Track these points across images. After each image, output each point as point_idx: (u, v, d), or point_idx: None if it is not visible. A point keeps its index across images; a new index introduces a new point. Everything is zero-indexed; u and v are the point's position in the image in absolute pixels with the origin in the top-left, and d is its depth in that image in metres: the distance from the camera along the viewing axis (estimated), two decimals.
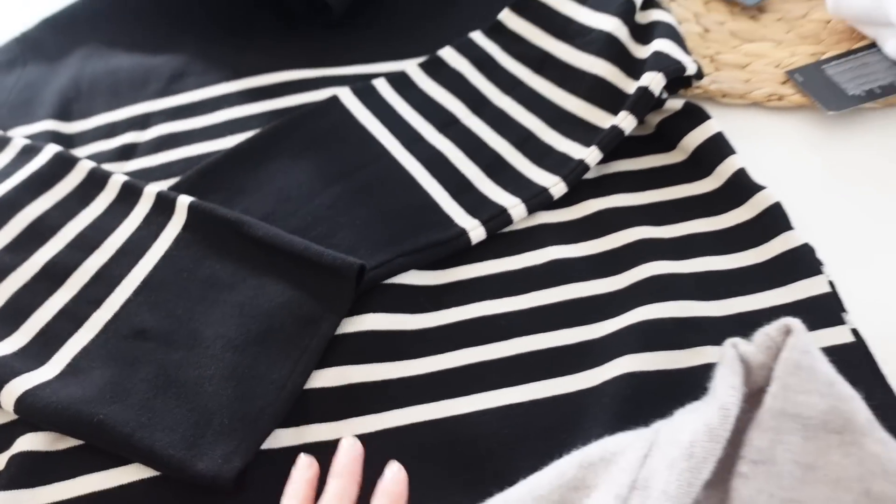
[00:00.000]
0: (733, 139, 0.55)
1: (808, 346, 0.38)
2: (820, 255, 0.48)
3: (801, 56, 0.58)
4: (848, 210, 0.51)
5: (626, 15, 0.56)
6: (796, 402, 0.37)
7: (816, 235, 0.48)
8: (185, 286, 0.48)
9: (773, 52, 0.59)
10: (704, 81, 0.57)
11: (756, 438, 0.37)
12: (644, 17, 0.57)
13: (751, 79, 0.57)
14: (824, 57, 0.57)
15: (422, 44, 0.64)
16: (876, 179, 0.52)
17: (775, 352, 0.38)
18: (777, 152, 0.55)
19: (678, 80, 0.55)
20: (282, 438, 0.43)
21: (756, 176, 0.52)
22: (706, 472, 0.36)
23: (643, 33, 0.56)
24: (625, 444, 0.39)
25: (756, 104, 0.57)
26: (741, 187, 0.51)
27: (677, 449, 0.37)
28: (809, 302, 0.46)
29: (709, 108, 0.57)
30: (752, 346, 0.38)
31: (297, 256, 0.47)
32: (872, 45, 0.56)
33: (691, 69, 0.53)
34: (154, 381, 0.44)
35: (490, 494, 0.37)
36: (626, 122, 0.52)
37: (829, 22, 0.60)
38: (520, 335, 0.47)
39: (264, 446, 0.43)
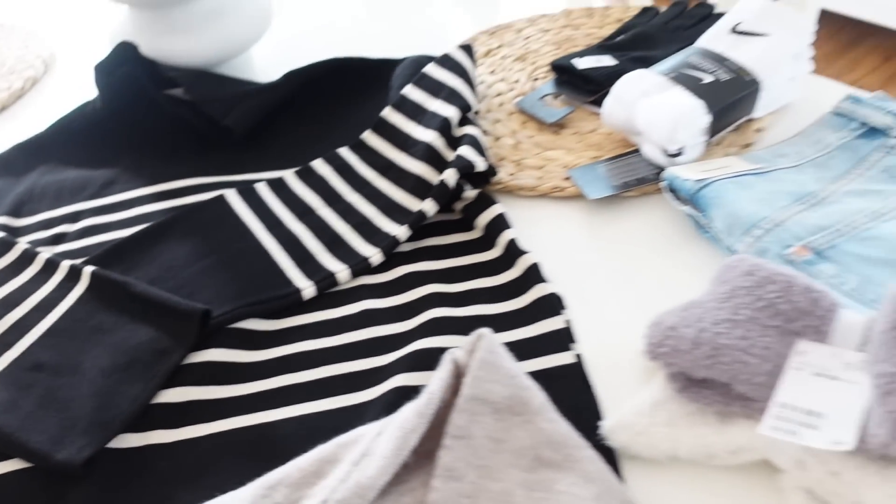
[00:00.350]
0: (526, 222, 0.70)
1: (494, 348, 0.51)
2: (570, 301, 0.62)
3: (584, 159, 0.74)
4: (599, 270, 0.65)
5: (444, 129, 0.73)
6: (484, 390, 0.50)
7: (573, 289, 0.63)
8: (78, 332, 0.63)
9: (564, 156, 0.75)
10: (507, 178, 0.73)
11: (456, 419, 0.50)
12: (459, 131, 0.74)
13: (543, 176, 0.73)
14: (600, 159, 0.73)
15: (301, 158, 0.81)
16: (622, 248, 0.66)
17: (472, 353, 0.51)
18: (557, 229, 0.69)
19: (483, 177, 0.71)
20: (129, 440, 0.56)
21: (539, 248, 0.67)
22: (413, 440, 0.48)
23: (455, 142, 0.72)
24: (370, 428, 0.51)
25: (544, 195, 0.72)
26: (512, 253, 0.65)
27: (394, 425, 0.49)
28: (550, 334, 0.59)
29: (510, 198, 0.73)
30: (460, 351, 0.52)
31: (159, 304, 0.62)
32: (636, 150, 0.72)
33: (481, 167, 0.69)
34: (40, 400, 0.58)
35: None
36: (427, 206, 0.68)
37: (610, 133, 0.76)
38: (327, 364, 0.60)
39: (114, 445, 0.56)
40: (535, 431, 0.49)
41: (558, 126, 0.79)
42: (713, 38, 0.74)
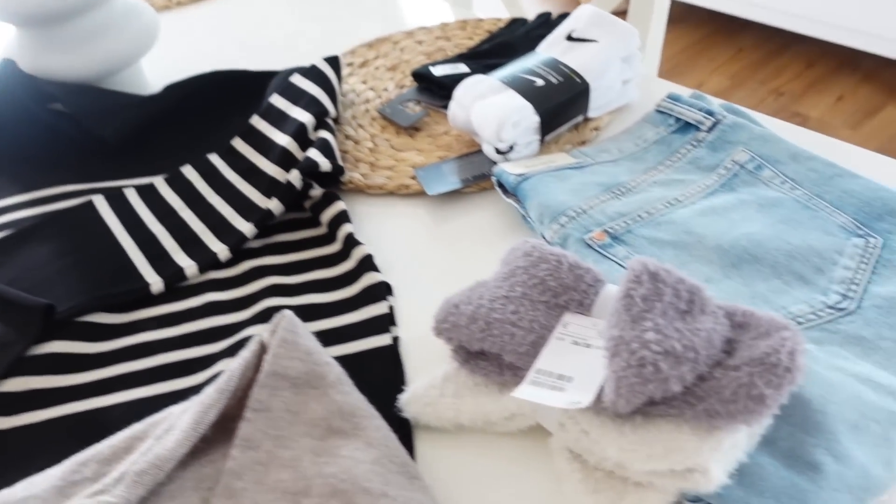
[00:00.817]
0: (374, 218, 0.75)
1: (294, 327, 0.55)
2: (400, 289, 0.66)
3: (433, 158, 0.78)
4: (432, 260, 0.69)
5: (298, 134, 0.77)
6: (283, 366, 0.54)
7: (406, 278, 0.67)
8: None
9: (414, 157, 0.79)
10: (360, 179, 0.77)
11: (257, 393, 0.53)
12: (314, 135, 0.78)
13: (392, 176, 0.77)
14: (446, 159, 0.78)
15: (176, 165, 0.85)
16: (456, 240, 0.71)
17: (274, 333, 0.55)
18: (400, 225, 0.74)
19: (333, 177, 0.75)
20: None
21: (382, 241, 0.71)
22: (212, 415, 0.52)
23: (309, 145, 0.77)
24: (179, 406, 0.55)
25: (392, 193, 0.76)
26: (349, 246, 0.69)
27: (196, 401, 0.53)
28: (372, 319, 0.63)
29: (362, 197, 0.77)
30: (266, 332, 0.55)
31: (5, 301, 0.65)
32: (479, 150, 0.77)
33: (325, 167, 0.73)
34: None
35: None
36: (273, 205, 0.72)
37: (459, 135, 0.81)
38: (165, 352, 0.64)
39: None
40: (328, 403, 0.53)
41: (414, 129, 0.84)
42: (550, 45, 0.79)
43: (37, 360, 0.63)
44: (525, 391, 0.49)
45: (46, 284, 0.70)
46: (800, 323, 0.54)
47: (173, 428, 0.53)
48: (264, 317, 0.64)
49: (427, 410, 0.54)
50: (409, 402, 0.54)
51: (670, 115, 0.73)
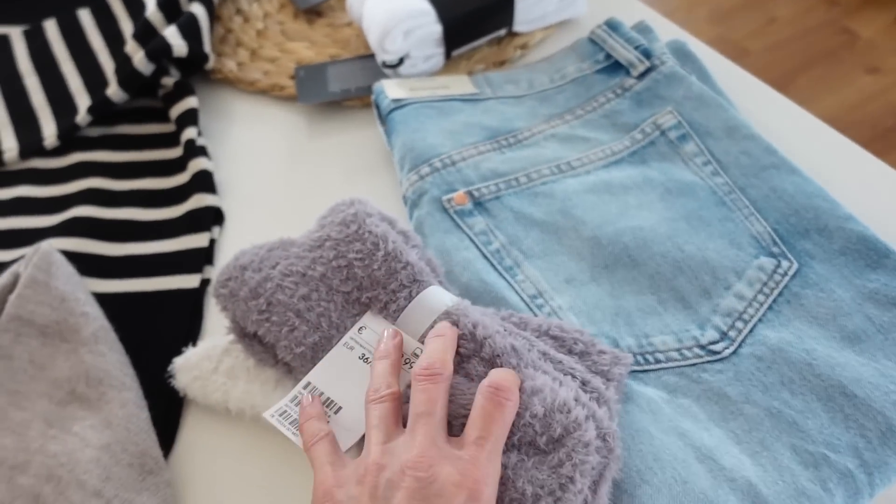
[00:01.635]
0: (237, 120, 0.63)
1: (48, 265, 0.46)
2: (237, 214, 0.56)
3: (323, 56, 0.66)
4: (285, 185, 0.59)
5: (166, 4, 0.64)
6: (29, 311, 0.45)
7: (248, 201, 0.57)
8: None
9: (303, 51, 0.66)
10: (233, 69, 0.65)
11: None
12: (187, 6, 0.65)
13: (270, 71, 0.65)
14: (335, 59, 0.65)
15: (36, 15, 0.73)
16: (317, 164, 0.60)
17: (26, 268, 0.46)
18: (265, 133, 0.63)
19: (196, 64, 0.63)
20: None
21: (237, 151, 0.61)
22: None
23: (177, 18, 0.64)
24: None
25: (264, 92, 0.65)
26: (188, 154, 0.59)
27: None
28: (188, 252, 0.54)
29: (231, 91, 0.66)
30: (21, 264, 0.47)
31: None
32: (374, 55, 0.64)
33: (179, 51, 0.61)
34: None
35: None
36: (112, 90, 0.61)
37: (361, 32, 0.67)
38: None
39: None
40: (77, 363, 0.45)
41: (315, 13, 0.70)
42: None
43: None
44: (275, 417, 0.41)
45: None
46: (657, 360, 0.44)
47: None
48: (70, 228, 0.55)
49: (195, 385, 0.46)
50: (180, 369, 0.46)
51: (601, 49, 0.59)
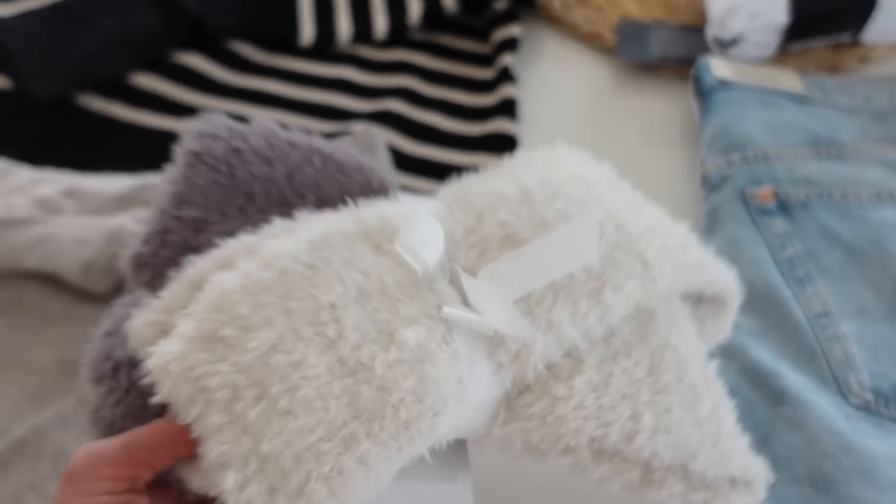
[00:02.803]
0: (549, 57, 0.65)
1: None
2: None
3: (648, 16, 0.65)
4: (576, 133, 0.60)
5: None
6: None
7: (539, 137, 0.59)
8: None
9: (630, 6, 0.66)
10: (559, 7, 0.66)
11: None
12: None
13: (594, 19, 0.65)
14: (661, 23, 0.64)
15: None
16: (618, 121, 0.60)
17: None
18: (573, 78, 0.64)
19: None
20: (93, 103, 0.62)
21: (543, 88, 0.63)
22: None
23: None
24: None
25: (583, 38, 0.65)
26: (499, 79, 0.61)
27: None
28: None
29: (549, 29, 0.67)
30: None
31: None
32: (703, 27, 0.62)
33: None
34: (50, 39, 0.64)
35: None
36: (448, 1, 0.64)
37: (694, 0, 0.66)
38: (280, 109, 0.62)
39: (80, 103, 0.62)
40: None
41: None
42: None
43: (172, 66, 0.64)
44: None
45: None
46: None
47: None
48: (380, 117, 0.60)
49: None
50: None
51: None
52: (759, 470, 0.30)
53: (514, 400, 0.29)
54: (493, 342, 0.28)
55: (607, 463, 0.29)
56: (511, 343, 0.28)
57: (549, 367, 0.29)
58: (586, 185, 0.33)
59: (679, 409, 0.28)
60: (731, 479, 0.29)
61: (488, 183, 0.33)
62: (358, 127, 0.51)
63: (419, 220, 0.28)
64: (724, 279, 0.34)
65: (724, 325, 0.36)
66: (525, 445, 0.29)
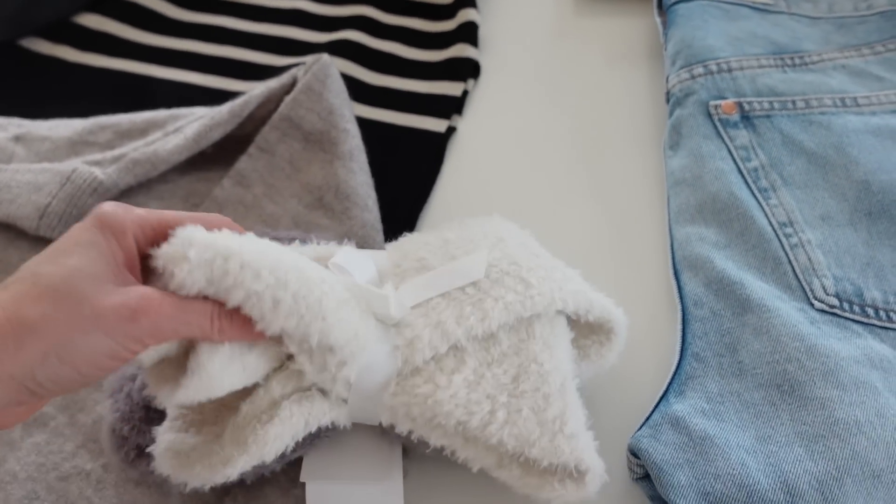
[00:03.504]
0: None
1: (326, 76, 0.49)
2: (487, 74, 0.57)
3: None
4: (537, 60, 0.58)
5: None
6: (300, 115, 0.49)
7: (500, 62, 0.58)
8: None
9: None
10: None
11: (266, 132, 0.49)
12: None
13: None
14: None
15: None
16: (586, 45, 0.59)
17: (305, 74, 0.49)
18: (534, 1, 0.62)
19: None
20: (40, 46, 0.60)
21: (510, 14, 0.61)
22: (217, 133, 0.49)
23: None
24: (201, 110, 0.52)
25: None
26: (460, 2, 0.59)
27: (209, 114, 0.50)
28: (443, 98, 0.56)
29: None
30: (301, 69, 0.50)
31: None
32: None
33: None
34: None
35: None
36: None
37: None
38: (234, 45, 0.60)
39: (26, 45, 0.60)
40: (330, 173, 0.48)
41: None
42: None
43: (121, 5, 0.62)
44: None
45: None
46: None
47: (181, 130, 0.50)
48: (338, 48, 0.58)
49: None
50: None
51: None
52: (594, 466, 0.34)
53: (405, 379, 0.35)
54: (395, 330, 0.36)
55: (472, 448, 0.35)
56: (407, 332, 0.35)
57: (438, 361, 0.35)
58: (497, 238, 0.40)
59: (528, 411, 0.34)
60: (566, 471, 0.34)
61: (421, 237, 0.41)
62: (309, 57, 0.50)
63: (351, 252, 0.38)
64: (608, 310, 0.39)
65: (611, 354, 0.40)
66: (407, 416, 0.35)
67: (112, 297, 0.28)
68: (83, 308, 0.28)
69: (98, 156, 0.50)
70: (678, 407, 0.39)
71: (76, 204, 0.48)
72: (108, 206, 0.31)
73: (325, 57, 0.49)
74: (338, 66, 0.56)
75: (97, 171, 0.49)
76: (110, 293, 0.28)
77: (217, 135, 0.49)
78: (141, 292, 0.29)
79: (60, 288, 0.28)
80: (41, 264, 0.29)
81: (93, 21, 0.61)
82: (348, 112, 0.49)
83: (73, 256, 0.29)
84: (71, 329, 0.27)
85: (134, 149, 0.50)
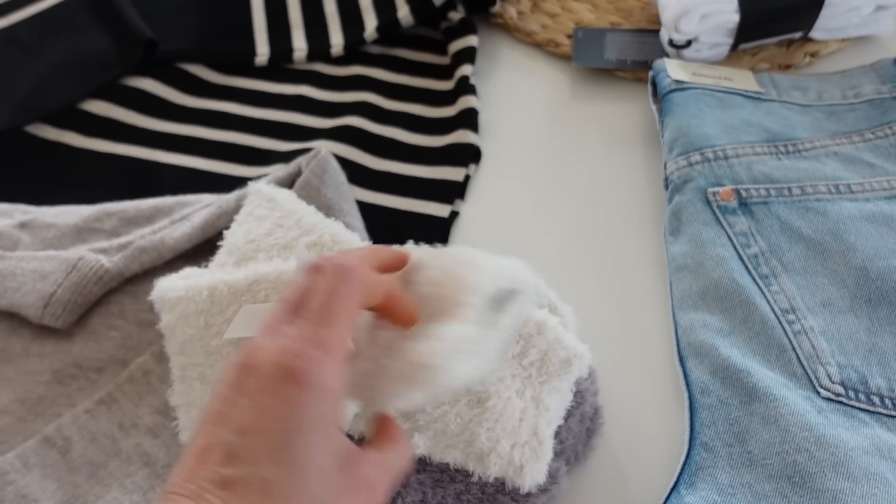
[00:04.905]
0: (506, 66, 0.65)
1: (323, 172, 0.50)
2: (488, 156, 0.58)
3: (603, 22, 0.66)
4: (538, 142, 0.60)
5: None
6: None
7: (501, 145, 0.59)
8: (58, 23, 0.66)
9: (585, 12, 0.67)
10: (513, 17, 0.66)
11: None
12: None
13: (549, 26, 0.66)
14: (616, 27, 0.65)
15: None
16: (577, 127, 0.60)
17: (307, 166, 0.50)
18: (532, 85, 0.64)
19: (483, 4, 0.65)
20: (46, 132, 0.61)
21: (502, 97, 0.63)
22: (223, 221, 0.49)
23: None
24: (209, 198, 0.52)
25: (539, 45, 0.66)
26: (459, 90, 0.61)
27: (216, 202, 0.50)
28: (444, 183, 0.57)
29: (506, 38, 0.67)
30: (303, 160, 0.51)
31: (120, 19, 0.64)
32: (658, 30, 0.63)
33: None
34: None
35: None
36: (403, 14, 0.63)
37: (646, 6, 0.66)
38: (240, 131, 0.61)
39: (32, 132, 0.61)
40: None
41: None
42: None
43: (126, 91, 0.63)
44: None
45: (164, 15, 0.67)
46: None
47: (188, 218, 0.51)
48: (340, 134, 0.59)
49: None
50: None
51: None
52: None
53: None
54: None
55: None
56: None
57: None
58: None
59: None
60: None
61: None
62: (312, 148, 0.51)
63: None
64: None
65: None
66: None
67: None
68: None
69: (104, 243, 0.51)
70: (689, 499, 0.39)
71: (81, 292, 0.48)
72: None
73: (324, 151, 0.50)
74: (340, 151, 0.58)
75: (103, 259, 0.49)
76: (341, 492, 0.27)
77: (224, 223, 0.49)
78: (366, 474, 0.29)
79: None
80: (264, 466, 0.25)
81: (98, 107, 0.62)
82: (347, 206, 0.50)
83: (300, 455, 0.26)
84: None
85: (140, 236, 0.50)
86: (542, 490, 0.39)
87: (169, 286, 0.43)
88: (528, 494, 0.39)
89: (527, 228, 0.55)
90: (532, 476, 0.38)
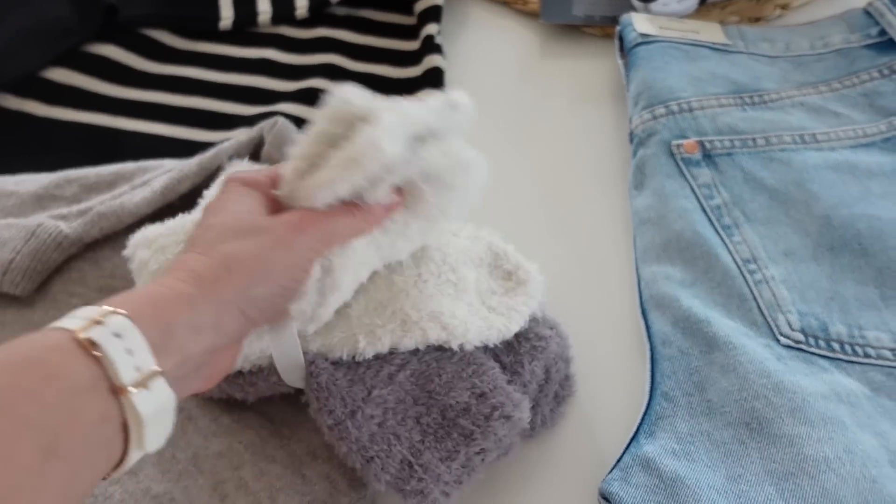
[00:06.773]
0: (473, 25, 0.65)
1: (282, 143, 0.49)
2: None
3: None
4: (503, 100, 0.59)
5: None
6: None
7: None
8: None
9: None
10: None
11: None
12: None
13: None
14: None
15: None
16: (544, 86, 0.60)
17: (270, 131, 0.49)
18: (499, 44, 0.63)
19: None
20: (8, 101, 0.60)
21: (468, 56, 0.62)
22: (184, 186, 0.49)
23: None
24: (170, 163, 0.52)
25: (505, 2, 0.65)
26: (424, 50, 0.60)
27: (178, 167, 0.50)
28: None
29: None
30: (266, 126, 0.50)
31: None
32: None
33: None
34: None
35: None
36: None
37: None
38: (204, 96, 0.60)
39: None
40: None
41: None
42: None
43: (88, 58, 0.62)
44: None
45: None
46: (867, 355, 0.42)
47: (149, 183, 0.50)
48: (304, 96, 0.58)
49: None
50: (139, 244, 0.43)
51: (877, 23, 0.55)
52: None
53: None
54: None
55: None
56: None
57: None
58: None
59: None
60: None
61: None
62: (266, 123, 0.50)
63: None
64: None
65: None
66: None
67: (277, 220, 0.34)
68: (262, 235, 0.34)
69: (64, 210, 0.50)
70: (649, 448, 0.39)
71: (41, 259, 0.47)
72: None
73: (282, 121, 0.49)
74: (304, 112, 0.57)
75: (62, 225, 0.48)
76: (274, 219, 0.35)
77: (185, 187, 0.49)
78: (296, 212, 0.35)
79: (239, 226, 0.34)
80: (208, 220, 0.35)
81: (60, 75, 0.61)
82: None
83: (232, 206, 0.35)
84: (261, 251, 0.33)
85: (101, 202, 0.50)
86: (504, 417, 0.38)
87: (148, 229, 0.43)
88: (489, 418, 0.37)
89: (494, 187, 0.54)
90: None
